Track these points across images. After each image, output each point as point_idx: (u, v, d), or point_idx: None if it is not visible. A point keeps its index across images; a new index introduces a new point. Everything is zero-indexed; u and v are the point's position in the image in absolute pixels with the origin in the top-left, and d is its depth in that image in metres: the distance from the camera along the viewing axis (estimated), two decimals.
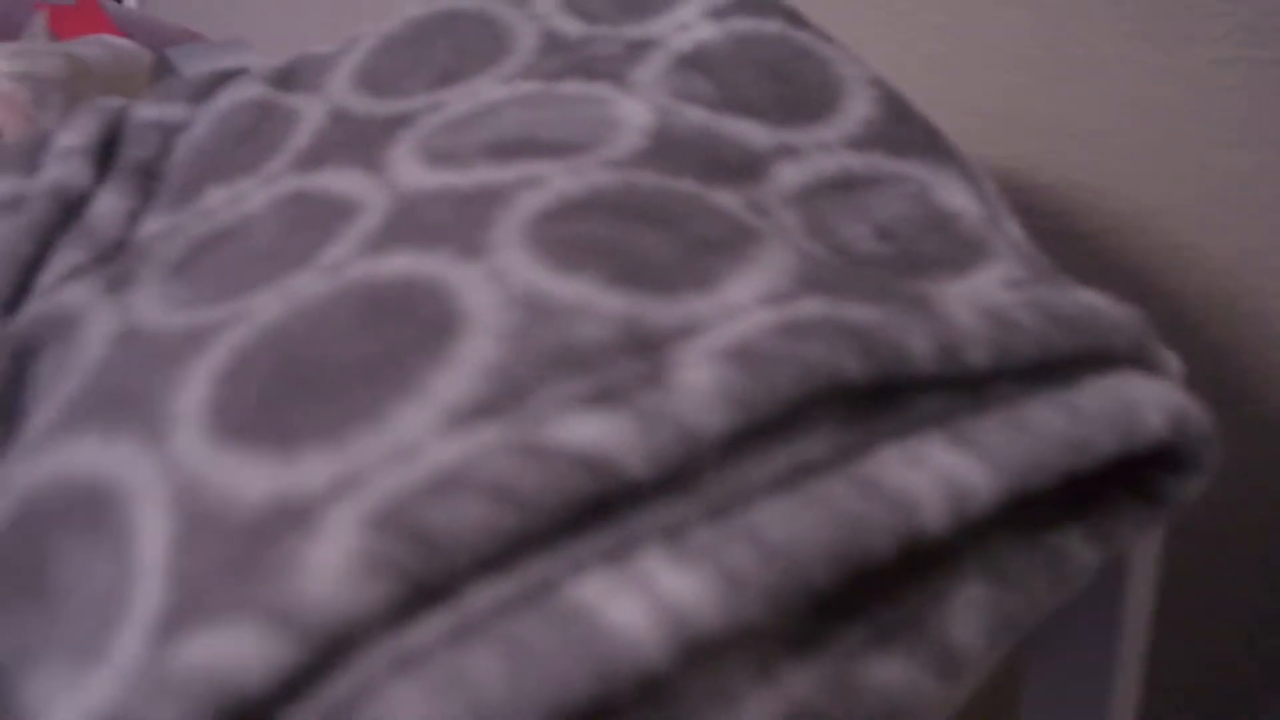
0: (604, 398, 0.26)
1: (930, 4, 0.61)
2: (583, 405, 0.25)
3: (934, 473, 0.27)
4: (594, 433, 0.25)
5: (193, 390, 0.28)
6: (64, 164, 0.41)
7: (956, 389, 0.29)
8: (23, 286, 0.37)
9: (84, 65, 0.52)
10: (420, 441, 0.25)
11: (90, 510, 0.27)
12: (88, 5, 0.62)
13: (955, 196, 0.39)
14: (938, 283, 0.36)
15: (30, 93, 0.50)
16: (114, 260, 0.37)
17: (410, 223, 0.32)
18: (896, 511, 0.26)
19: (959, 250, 0.37)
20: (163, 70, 0.58)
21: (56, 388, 0.31)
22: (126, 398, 0.29)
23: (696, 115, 0.39)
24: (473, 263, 0.30)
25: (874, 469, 0.27)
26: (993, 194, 0.40)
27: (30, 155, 0.43)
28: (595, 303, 0.28)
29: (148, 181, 0.41)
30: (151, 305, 0.33)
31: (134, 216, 0.40)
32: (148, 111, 0.44)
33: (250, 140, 0.41)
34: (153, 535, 0.25)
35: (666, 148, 0.37)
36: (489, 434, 0.25)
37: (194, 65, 0.57)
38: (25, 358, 0.33)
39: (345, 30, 1.04)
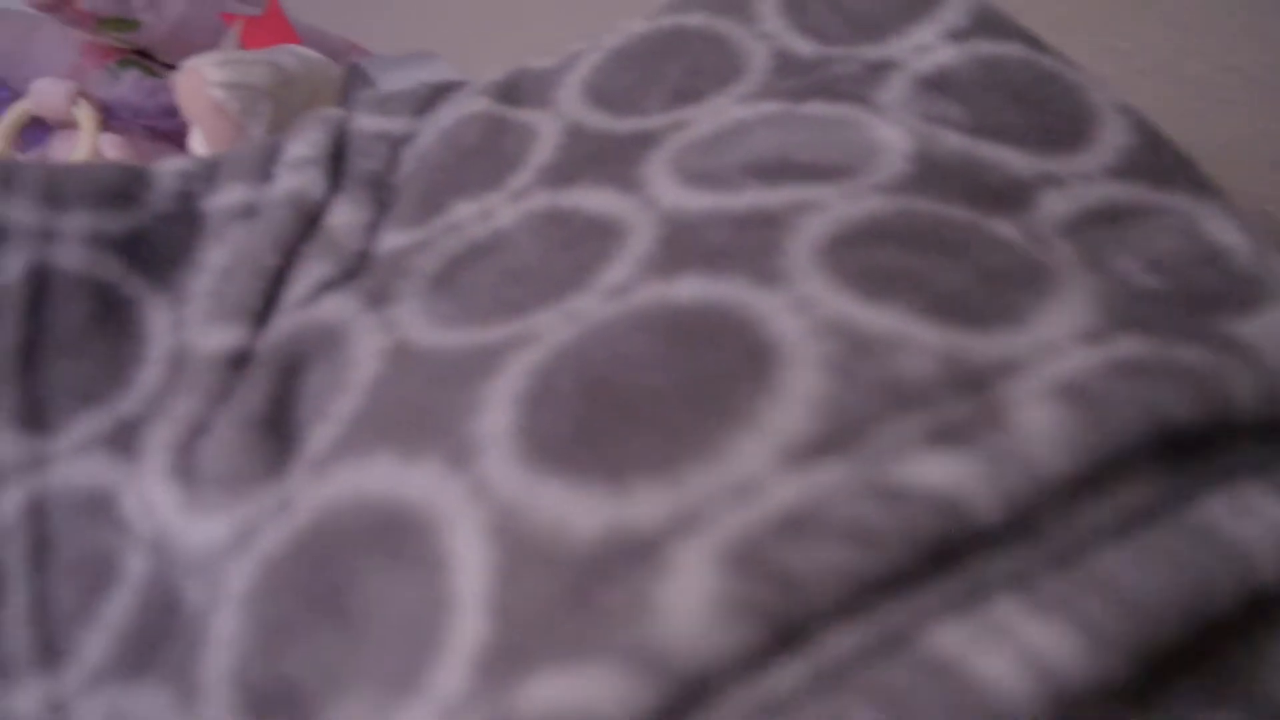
0: (944, 437, 0.25)
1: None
2: (924, 444, 0.24)
3: (1265, 522, 0.25)
4: (942, 474, 0.24)
5: (496, 413, 0.27)
6: (300, 173, 0.41)
7: (1272, 435, 0.28)
8: (270, 298, 0.37)
9: (288, 75, 0.53)
10: (759, 477, 0.24)
11: (393, 533, 0.27)
12: (275, 15, 0.63)
13: (1224, 230, 0.37)
14: (1223, 321, 0.34)
15: (239, 102, 0.50)
16: (362, 273, 0.37)
17: (690, 245, 0.32)
18: (1234, 563, 0.24)
19: (1237, 287, 0.35)
20: (356, 81, 0.59)
21: (332, 405, 0.31)
22: (418, 417, 0.29)
23: (954, 140, 0.38)
24: (772, 289, 0.29)
25: (1205, 517, 0.25)
26: (1258, 228, 0.38)
27: (260, 164, 0.43)
28: (912, 335, 0.27)
29: (379, 193, 0.41)
30: (418, 321, 0.33)
31: (372, 228, 0.39)
32: (371, 123, 0.44)
33: (485, 154, 0.40)
34: (470, 564, 0.25)
35: (931, 173, 0.36)
36: (833, 472, 0.24)
37: (389, 77, 0.57)
38: (292, 374, 0.33)
39: (489, 41, 1.05)
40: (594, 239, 0.34)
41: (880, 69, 0.43)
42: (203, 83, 0.51)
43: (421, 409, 0.29)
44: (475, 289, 0.34)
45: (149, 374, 0.37)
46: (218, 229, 0.41)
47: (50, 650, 0.31)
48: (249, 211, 0.41)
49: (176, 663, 0.28)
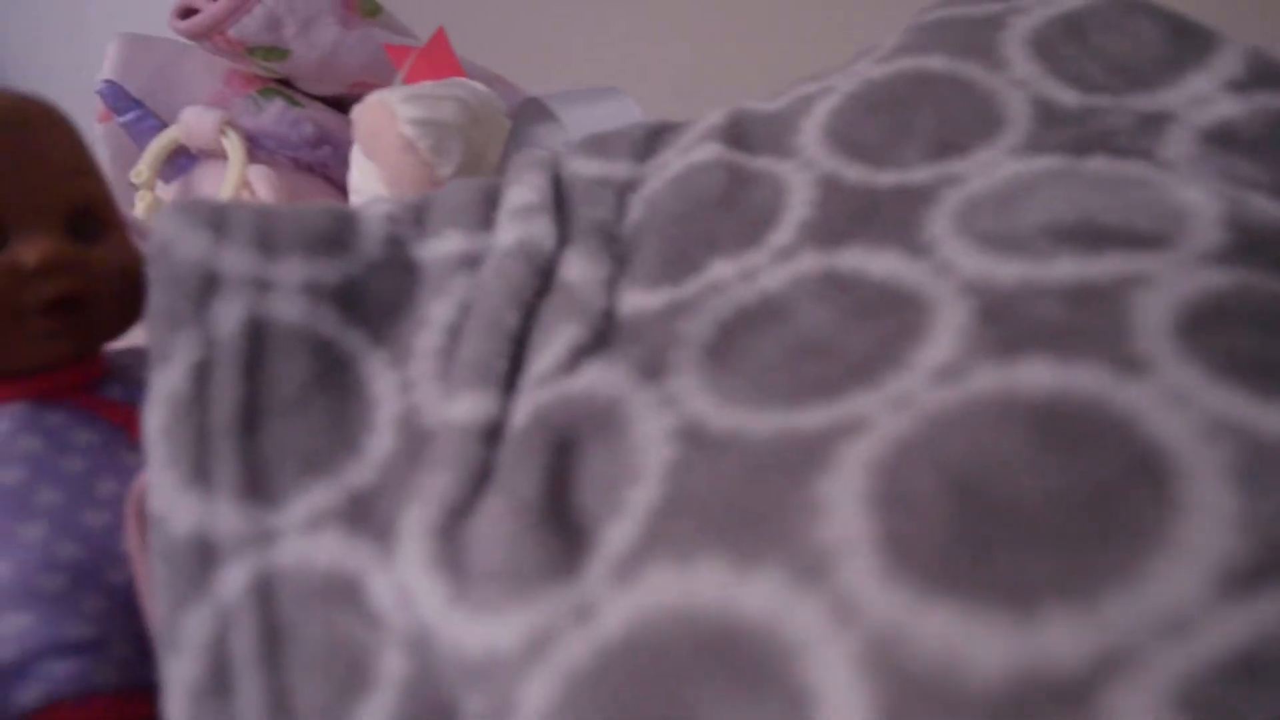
0: None
1: None
2: None
3: None
4: None
5: (844, 516, 0.24)
6: (527, 222, 0.38)
7: None
8: (515, 360, 0.34)
9: (475, 112, 0.50)
10: (1193, 609, 0.21)
11: (734, 655, 0.23)
12: (441, 47, 0.60)
13: None
14: None
15: (430, 139, 0.48)
16: (617, 338, 0.33)
17: (1020, 323, 0.28)
18: None
19: None
20: (535, 117, 0.56)
21: (625, 494, 0.27)
22: (741, 516, 0.25)
23: (1262, 204, 0.34)
24: (1138, 379, 0.25)
25: None
26: None
27: (477, 209, 0.40)
28: None
29: (611, 245, 0.38)
30: (705, 399, 0.29)
31: (611, 284, 0.36)
32: (590, 167, 0.41)
33: (731, 207, 0.37)
34: (844, 702, 0.21)
35: (1251, 242, 0.32)
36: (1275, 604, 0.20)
37: (573, 113, 0.54)
38: (563, 453, 0.29)
39: (628, 73, 1.02)
40: (893, 309, 0.30)
41: (1156, 121, 0.39)
42: (392, 118, 0.48)
43: (743, 507, 0.25)
44: (763, 363, 0.30)
45: (379, 441, 0.34)
46: (437, 280, 0.38)
47: None
48: (470, 261, 0.38)
49: None
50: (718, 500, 0.26)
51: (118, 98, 0.73)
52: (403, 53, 0.62)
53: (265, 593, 0.31)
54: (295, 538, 0.31)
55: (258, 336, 0.35)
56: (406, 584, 0.29)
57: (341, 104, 0.79)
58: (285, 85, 0.77)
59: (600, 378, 0.31)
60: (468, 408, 0.32)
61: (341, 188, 0.76)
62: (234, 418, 0.33)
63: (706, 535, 0.25)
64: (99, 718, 0.34)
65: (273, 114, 0.73)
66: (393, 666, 0.28)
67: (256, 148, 0.72)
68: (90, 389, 0.40)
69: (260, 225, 0.37)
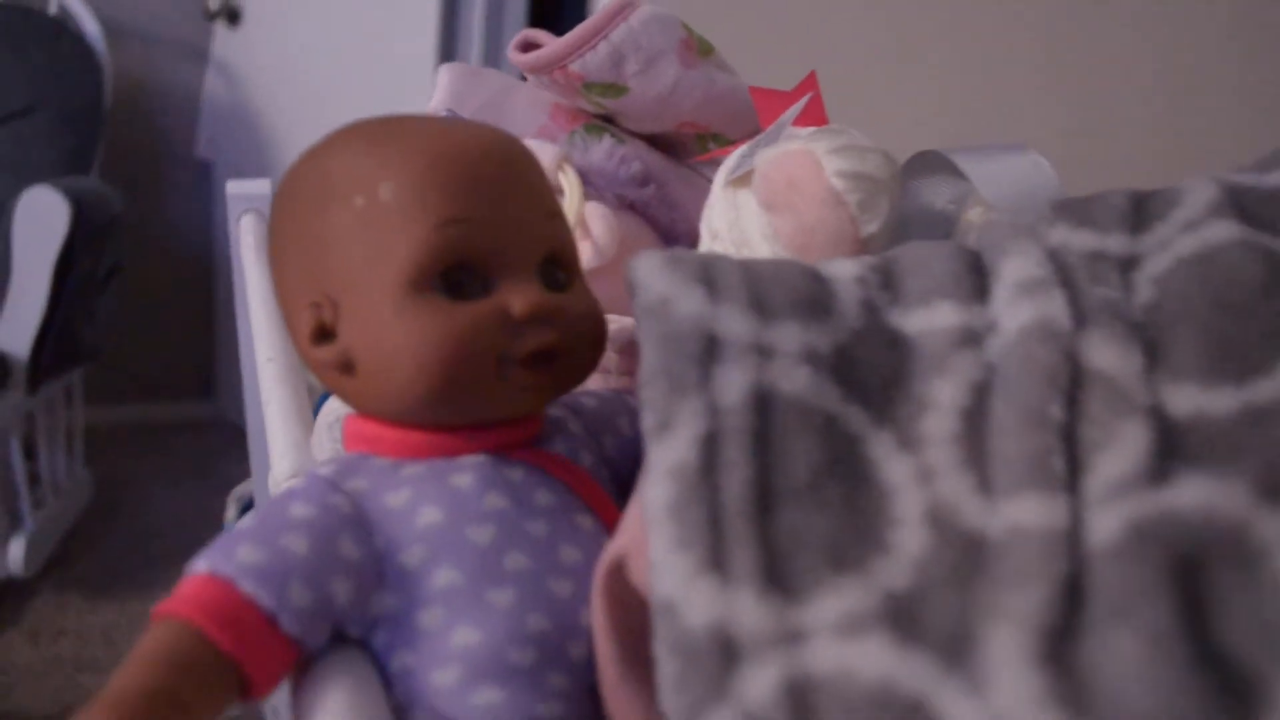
0: None
1: None
2: None
3: None
4: None
5: None
6: (1041, 299, 0.34)
7: None
8: (1074, 460, 0.29)
9: (896, 167, 0.46)
10: None
11: None
12: (811, 91, 0.57)
13: None
14: None
15: (860, 194, 0.44)
16: (1185, 441, 0.29)
17: None
18: None
19: None
20: (927, 170, 0.52)
21: None
22: None
23: None
24: None
25: None
26: None
27: (968, 279, 0.36)
28: None
29: (1132, 330, 0.33)
30: None
31: (1147, 376, 0.31)
32: (1079, 239, 0.37)
33: (1275, 295, 0.32)
34: None
35: None
36: None
37: (980, 169, 0.50)
38: (1190, 578, 0.25)
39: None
40: None
41: None
42: (819, 169, 0.44)
43: None
44: None
45: (908, 537, 0.30)
46: (934, 356, 0.34)
47: None
48: (969, 338, 0.34)
49: None
50: None
51: None
52: (768, 96, 0.59)
53: (799, 699, 0.27)
54: (829, 641, 0.28)
55: (765, 408, 0.32)
56: (1007, 714, 0.25)
57: (658, 144, 0.78)
58: (608, 122, 0.76)
59: (1214, 494, 0.26)
60: (1034, 512, 0.28)
61: (663, 230, 0.74)
62: (748, 500, 0.30)
63: None
64: None
65: (603, 151, 0.72)
66: None
67: (584, 183, 0.71)
68: (537, 444, 0.37)
69: (751, 284, 0.34)
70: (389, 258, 0.34)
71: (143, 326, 2.20)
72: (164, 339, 2.30)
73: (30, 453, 1.68)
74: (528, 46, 0.71)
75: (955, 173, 0.52)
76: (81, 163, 1.84)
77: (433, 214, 0.34)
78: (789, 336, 0.33)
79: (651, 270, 0.34)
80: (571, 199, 0.67)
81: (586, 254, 0.65)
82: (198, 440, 2.30)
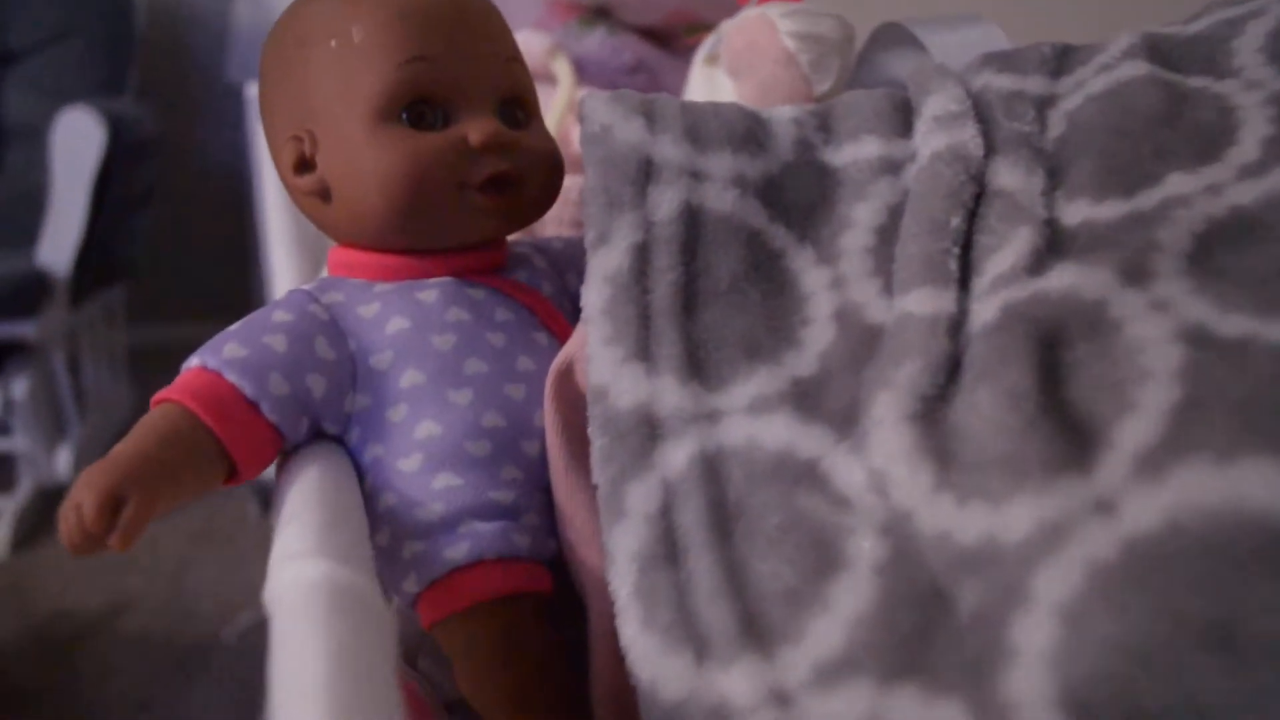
0: None
1: None
2: None
3: None
4: None
5: None
6: (955, 129, 0.36)
7: None
8: (969, 263, 0.33)
9: (850, 32, 0.49)
10: None
11: None
12: None
13: None
14: None
15: (811, 53, 0.47)
16: (1069, 244, 0.32)
17: None
18: None
19: None
20: (890, 41, 0.54)
21: (1129, 392, 0.26)
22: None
23: None
24: None
25: None
26: None
27: (893, 117, 0.39)
28: None
29: (1039, 156, 0.36)
30: (1200, 304, 0.27)
31: (1048, 195, 0.34)
32: (1000, 81, 0.39)
33: (1176, 124, 0.35)
34: None
35: None
36: None
37: (937, 38, 0.53)
38: (1050, 348, 0.28)
39: None
40: None
41: None
42: (773, 31, 0.47)
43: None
44: (1256, 276, 0.28)
45: (817, 333, 0.33)
46: (856, 182, 0.37)
47: (759, 629, 0.28)
48: (891, 167, 0.37)
49: (959, 671, 0.24)
50: (1252, 402, 0.24)
51: None
52: None
53: (712, 469, 0.31)
54: (741, 419, 0.32)
55: (693, 222, 0.35)
56: (881, 469, 0.28)
57: (656, 37, 0.80)
58: (604, 15, 0.78)
59: (1080, 279, 0.29)
60: (925, 302, 0.31)
61: None
62: (674, 300, 0.34)
63: (1246, 435, 0.23)
64: (516, 580, 0.35)
65: (595, 41, 0.74)
66: (866, 548, 0.28)
67: (579, 73, 0.73)
68: (500, 272, 0.41)
69: (687, 119, 0.37)
70: (359, 92, 0.38)
71: (180, 247, 2.26)
72: (201, 259, 2.35)
73: (75, 370, 1.74)
74: None
75: (917, 45, 0.54)
76: (116, 87, 1.88)
77: (396, 53, 0.38)
78: (720, 163, 0.36)
79: (597, 104, 0.37)
80: (564, 86, 0.70)
81: (576, 140, 0.68)
82: None
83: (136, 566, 1.54)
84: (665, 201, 0.35)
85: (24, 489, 1.61)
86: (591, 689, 0.34)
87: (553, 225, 0.56)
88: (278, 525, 0.31)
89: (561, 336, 0.40)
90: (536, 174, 0.39)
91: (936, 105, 0.38)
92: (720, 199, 0.36)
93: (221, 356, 0.35)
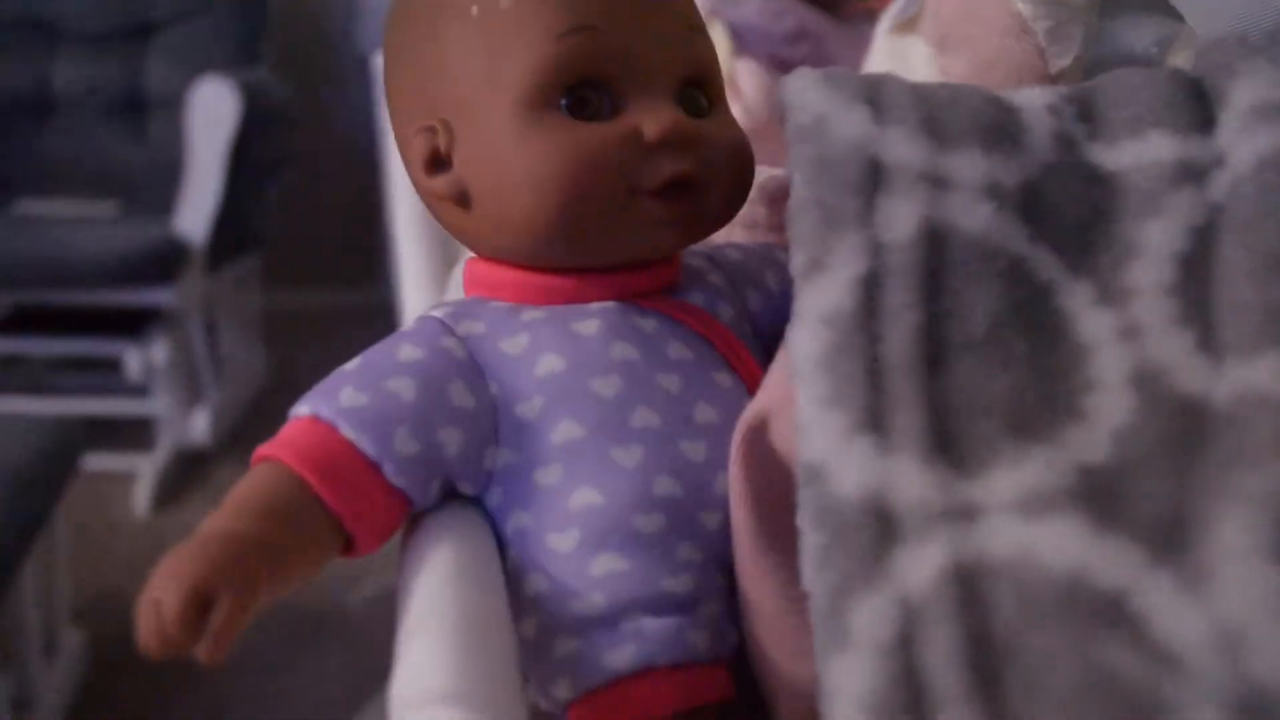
0: None
1: None
2: None
3: None
4: None
5: None
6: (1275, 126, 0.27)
7: None
8: None
9: None
10: None
11: None
12: None
13: None
14: None
15: (1049, 19, 0.38)
16: None
17: None
18: None
19: None
20: (1130, 4, 0.45)
21: None
22: None
23: None
24: None
25: None
26: None
27: (1186, 106, 0.30)
28: None
29: None
30: None
31: None
32: None
33: None
34: None
35: None
36: None
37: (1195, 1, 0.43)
38: None
39: None
40: None
41: None
42: None
43: None
44: None
45: (1108, 404, 0.25)
46: (1144, 194, 0.28)
47: None
48: (1189, 174, 0.28)
49: None
50: None
51: None
52: None
53: (971, 589, 0.23)
54: (1009, 520, 0.24)
55: (938, 246, 0.27)
56: (1235, 621, 0.20)
57: (819, 2, 0.71)
58: None
59: None
60: (1277, 375, 0.23)
61: None
62: (914, 351, 0.26)
63: None
64: (690, 689, 0.28)
65: (755, 6, 0.66)
66: None
67: (737, 41, 0.66)
68: (671, 293, 0.34)
69: (924, 105, 0.29)
70: (507, 73, 0.30)
71: (312, 215, 2.27)
72: (332, 227, 2.36)
73: (211, 335, 1.77)
74: None
75: (1164, 9, 0.44)
76: (250, 57, 1.92)
77: (555, 21, 0.30)
78: (969, 166, 0.28)
79: (806, 88, 0.30)
80: (721, 54, 0.62)
81: (736, 114, 0.60)
82: (366, 323, 2.38)
83: None
84: (901, 218, 0.27)
85: (163, 450, 1.65)
86: None
87: None
88: (402, 629, 0.25)
89: (746, 377, 0.32)
90: (724, 175, 0.32)
91: (1253, 91, 0.29)
92: (972, 215, 0.27)
93: (338, 405, 0.29)
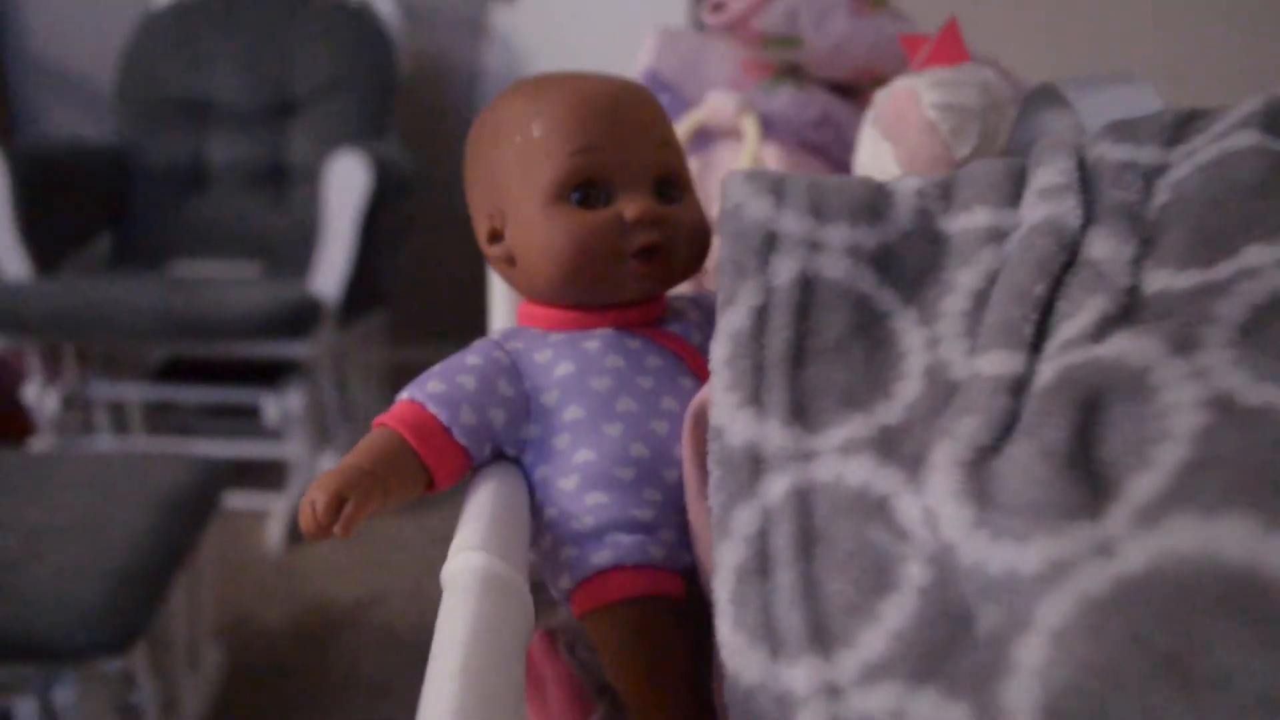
0: None
1: None
2: None
3: None
4: None
5: None
6: (1056, 201, 0.40)
7: None
8: (1041, 326, 0.37)
9: (995, 98, 0.53)
10: None
11: (1260, 606, 0.25)
12: (952, 37, 0.63)
13: None
14: None
15: (951, 122, 0.52)
16: (1142, 313, 0.35)
17: None
18: None
19: None
20: (1044, 102, 0.58)
21: (1149, 450, 0.30)
22: (1272, 482, 0.27)
23: None
24: None
25: None
26: None
27: (1003, 188, 0.43)
28: None
29: (1136, 226, 0.39)
30: (1238, 374, 0.31)
31: (1136, 264, 0.38)
32: (1115, 152, 0.43)
33: (1266, 194, 0.37)
34: None
35: None
36: None
37: (1089, 100, 0.56)
38: (1090, 409, 0.32)
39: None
40: None
41: None
42: (917, 102, 0.52)
43: (1274, 475, 0.27)
44: None
45: (909, 387, 0.38)
46: (963, 250, 0.42)
47: (822, 635, 0.33)
48: (996, 236, 0.42)
49: (970, 679, 0.29)
50: (1248, 465, 0.27)
51: (654, 84, 0.84)
52: (915, 41, 0.66)
53: (803, 500, 0.37)
54: (831, 459, 0.37)
55: (808, 288, 0.41)
56: (934, 507, 0.33)
57: (844, 91, 0.85)
58: (795, 72, 0.84)
59: (1131, 346, 0.33)
60: (997, 363, 0.36)
61: (839, 167, 0.82)
62: (785, 355, 0.39)
63: (1234, 494, 0.27)
64: (647, 583, 0.42)
65: (784, 98, 0.80)
66: (914, 573, 0.33)
67: (767, 128, 0.80)
68: (656, 324, 0.48)
69: (812, 194, 0.43)
70: (538, 178, 0.46)
71: (434, 276, 2.48)
72: (452, 287, 2.57)
73: (341, 384, 1.95)
74: (716, 8, 0.81)
75: (1068, 105, 0.57)
76: (380, 129, 2.10)
77: (569, 144, 0.46)
78: (837, 235, 0.42)
79: (735, 182, 0.44)
80: (749, 143, 0.76)
81: None
82: None
83: (387, 565, 1.73)
84: (784, 270, 0.41)
85: (295, 490, 1.83)
86: (714, 679, 0.40)
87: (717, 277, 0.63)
88: (460, 524, 0.40)
89: (705, 382, 0.47)
90: (684, 243, 0.46)
91: (1044, 178, 0.42)
92: (834, 267, 0.41)
93: (425, 391, 0.44)
